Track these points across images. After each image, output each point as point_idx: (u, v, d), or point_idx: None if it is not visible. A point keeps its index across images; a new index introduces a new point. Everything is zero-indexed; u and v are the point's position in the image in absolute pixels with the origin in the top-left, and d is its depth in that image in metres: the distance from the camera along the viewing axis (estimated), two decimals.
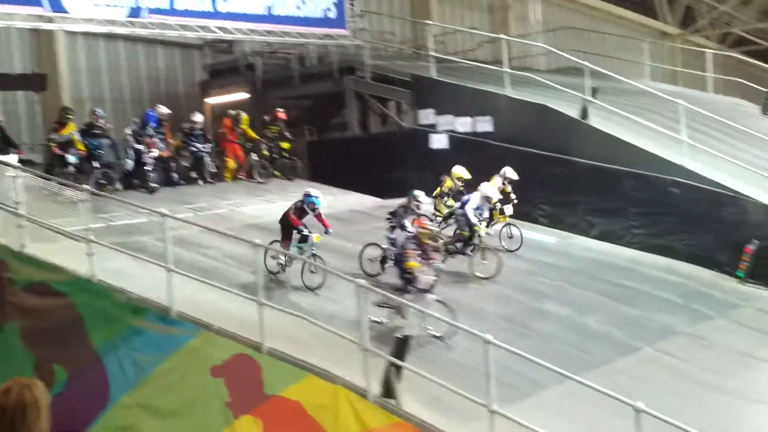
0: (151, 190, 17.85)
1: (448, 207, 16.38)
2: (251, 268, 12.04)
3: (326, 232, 13.89)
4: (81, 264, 11.88)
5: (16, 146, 16.34)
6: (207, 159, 19.66)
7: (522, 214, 16.95)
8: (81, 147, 16.93)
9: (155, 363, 11.13)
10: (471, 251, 14.87)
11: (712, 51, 24.42)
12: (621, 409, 8.84)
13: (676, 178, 16.71)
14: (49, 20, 17.50)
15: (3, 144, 15.99)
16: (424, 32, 22.73)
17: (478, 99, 19.98)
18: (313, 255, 13.47)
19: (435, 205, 16.21)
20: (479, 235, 14.80)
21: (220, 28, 19.67)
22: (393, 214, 14.43)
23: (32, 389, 3.92)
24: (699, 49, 25.28)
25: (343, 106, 22.70)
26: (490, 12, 31.61)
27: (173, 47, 23.90)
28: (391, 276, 13.43)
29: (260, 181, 20.17)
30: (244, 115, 20.45)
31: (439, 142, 19.97)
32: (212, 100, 24.00)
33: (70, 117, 17.26)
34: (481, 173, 16.40)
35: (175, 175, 19.20)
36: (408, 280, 12.39)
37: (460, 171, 16.72)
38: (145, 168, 18.00)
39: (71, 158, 16.72)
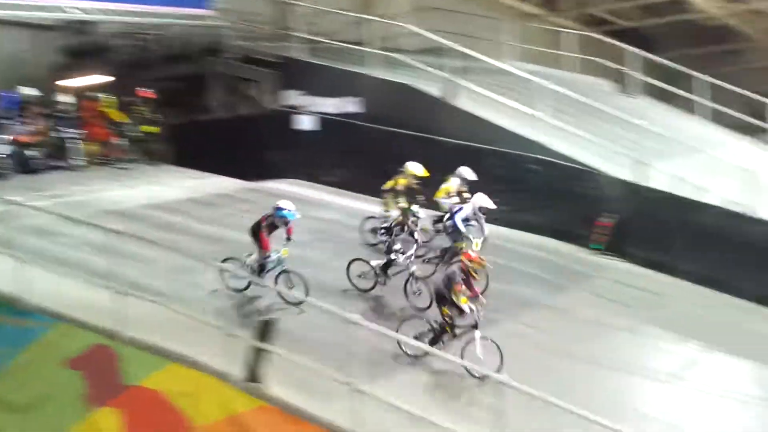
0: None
1: (401, 207, 15.39)
2: (110, 256, 11.72)
3: (288, 239, 13.05)
4: None
5: None
6: (73, 143, 18.92)
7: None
8: None
9: (9, 357, 10.82)
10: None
11: (570, 31, 25.32)
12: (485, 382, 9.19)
13: (536, 156, 17.33)
14: None
15: None
16: (292, 13, 22.59)
17: (346, 80, 20.10)
18: (285, 272, 12.87)
19: (384, 200, 15.63)
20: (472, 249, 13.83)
21: (78, 8, 18.93)
22: (389, 230, 13.96)
23: None
24: (557, 29, 26.06)
25: (209, 88, 22.33)
26: None
27: (30, 29, 22.76)
28: (389, 293, 13.50)
29: (123, 166, 19.61)
30: (106, 97, 19.81)
31: (306, 123, 19.97)
32: (73, 83, 23.05)
33: None
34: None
35: (36, 161, 18.39)
36: (449, 318, 11.58)
37: (414, 168, 15.66)
38: None
39: None
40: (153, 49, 22.56)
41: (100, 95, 19.91)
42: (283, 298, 12.67)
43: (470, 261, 11.63)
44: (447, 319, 11.54)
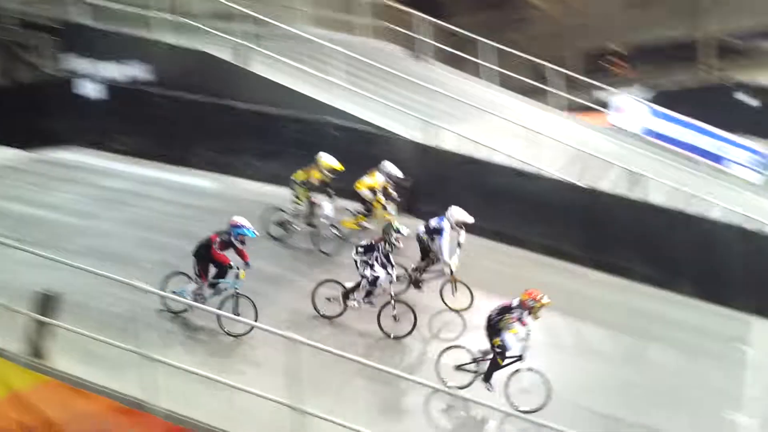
0: None
1: (311, 202, 14.99)
2: None
3: (246, 265, 12.15)
4: None
5: None
6: None
7: (182, 159, 16.89)
8: None
9: None
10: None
11: None
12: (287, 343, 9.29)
13: (334, 120, 17.54)
14: None
15: None
16: None
17: (133, 45, 19.40)
18: (237, 294, 11.94)
19: (295, 191, 15.05)
20: (451, 271, 13.66)
21: None
22: (369, 248, 12.91)
23: None
24: None
25: None
26: None
27: None
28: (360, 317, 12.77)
29: None
30: None
31: (90, 89, 19.09)
32: None
33: None
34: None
35: None
36: (500, 351, 11.29)
37: (328, 160, 15.08)
38: None
39: None
40: None
41: None
42: (222, 327, 11.78)
43: (534, 300, 11.15)
44: (498, 349, 11.24)
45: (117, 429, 9.40)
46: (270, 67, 18.89)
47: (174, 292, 11.69)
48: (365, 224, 15.40)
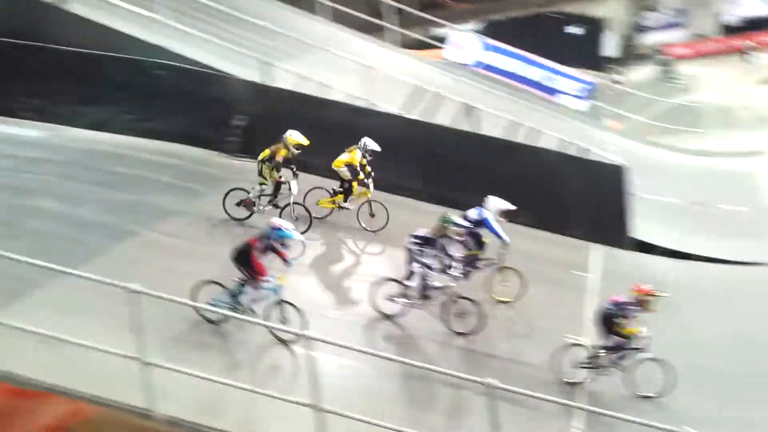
0: None
1: (278, 181, 14.10)
2: None
3: (288, 263, 11.37)
4: None
5: None
6: None
7: (3, 109, 15.95)
8: None
9: None
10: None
11: None
12: (122, 294, 9.06)
13: (161, 61, 16.98)
14: None
15: None
16: None
17: None
18: (280, 303, 11.17)
19: (260, 170, 14.10)
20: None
21: None
22: (427, 241, 12.10)
23: None
24: None
25: None
26: None
27: None
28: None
29: None
30: None
31: None
32: None
33: None
34: None
35: None
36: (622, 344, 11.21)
37: (296, 137, 14.16)
38: None
39: None
40: None
41: None
42: (275, 335, 11.12)
43: (646, 295, 11.10)
44: (627, 338, 11.24)
45: None
46: (87, 4, 17.96)
47: (211, 303, 11.03)
48: (344, 204, 14.95)
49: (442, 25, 25.31)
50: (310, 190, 14.72)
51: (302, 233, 13.69)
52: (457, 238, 12.30)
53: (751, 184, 20.98)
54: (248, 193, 14.17)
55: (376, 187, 14.84)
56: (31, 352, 9.64)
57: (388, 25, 23.00)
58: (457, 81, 21.93)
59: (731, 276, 15.80)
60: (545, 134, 18.15)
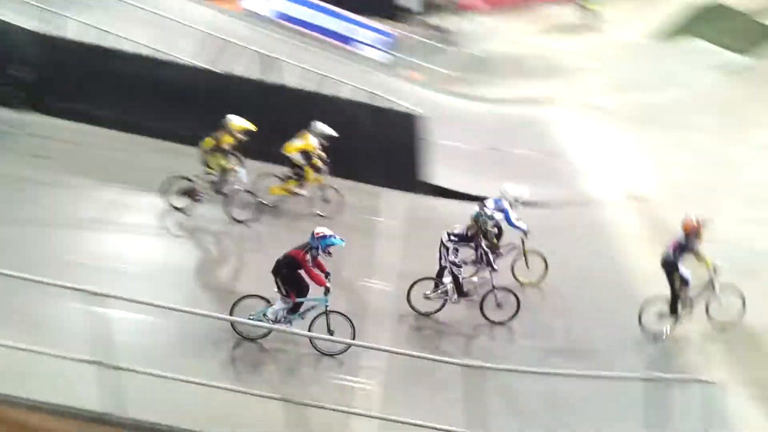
0: None
1: (224, 169, 13.79)
2: None
3: (327, 276, 11.03)
4: None
5: None
6: None
7: None
8: None
9: None
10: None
11: None
12: None
13: None
14: None
15: None
16: None
17: None
18: (326, 313, 10.98)
19: (206, 161, 13.75)
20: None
21: None
22: (464, 238, 12.34)
23: None
24: None
25: None
26: None
27: None
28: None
29: None
30: None
31: None
32: None
33: None
34: None
35: None
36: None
37: (239, 122, 13.81)
38: None
39: None
40: None
41: None
42: (318, 349, 10.91)
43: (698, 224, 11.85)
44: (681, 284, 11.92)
45: None
46: None
47: (251, 317, 10.80)
48: (296, 189, 14.82)
49: None
50: (263, 176, 14.65)
51: (250, 221, 13.97)
52: (490, 229, 12.71)
53: (541, 129, 22.28)
54: (191, 181, 13.83)
55: (166, 138, 14.64)
56: None
57: None
58: (255, 31, 21.79)
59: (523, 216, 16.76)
60: (346, 85, 18.41)
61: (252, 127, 13.95)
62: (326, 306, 10.96)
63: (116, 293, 8.76)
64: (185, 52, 17.33)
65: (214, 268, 13.25)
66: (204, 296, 12.08)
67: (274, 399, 9.19)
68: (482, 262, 12.42)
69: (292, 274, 10.85)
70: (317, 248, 10.85)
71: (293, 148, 14.70)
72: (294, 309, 10.98)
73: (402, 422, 8.79)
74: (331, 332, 10.86)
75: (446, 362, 9.75)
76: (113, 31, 16.86)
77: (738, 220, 15.04)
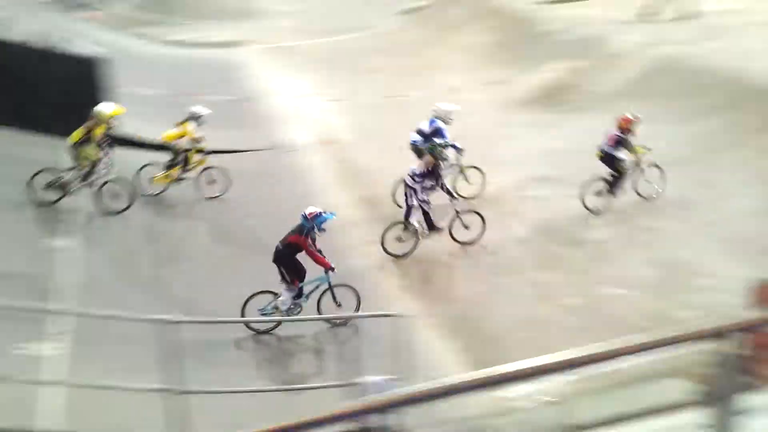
0: None
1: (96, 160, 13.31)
2: None
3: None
4: None
5: None
6: None
7: None
8: None
9: None
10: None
11: None
12: None
13: None
14: None
15: None
16: None
17: None
18: (330, 288, 11.00)
19: (77, 155, 13.24)
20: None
21: None
22: (427, 174, 12.72)
23: None
24: None
25: None
26: None
27: None
28: None
29: None
30: None
31: None
32: None
33: None
34: None
35: None
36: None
37: (109, 109, 13.46)
38: None
39: None
40: None
41: None
42: (330, 321, 10.94)
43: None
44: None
45: None
46: None
47: (263, 313, 10.83)
48: (181, 175, 14.69)
49: None
50: (143, 167, 14.47)
51: (123, 210, 13.50)
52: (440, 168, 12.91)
53: (234, 74, 22.12)
54: (60, 174, 13.24)
55: None
56: None
57: None
58: None
59: (224, 162, 16.60)
60: (15, 26, 16.97)
61: (122, 110, 13.73)
62: (329, 282, 10.97)
63: None
64: None
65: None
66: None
67: None
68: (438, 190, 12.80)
69: (292, 261, 10.80)
70: (313, 228, 10.72)
71: (172, 135, 14.67)
72: (299, 294, 11.00)
73: (94, 387, 8.39)
74: (339, 305, 11.00)
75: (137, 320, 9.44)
76: None
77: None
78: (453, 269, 12.67)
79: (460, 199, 13.62)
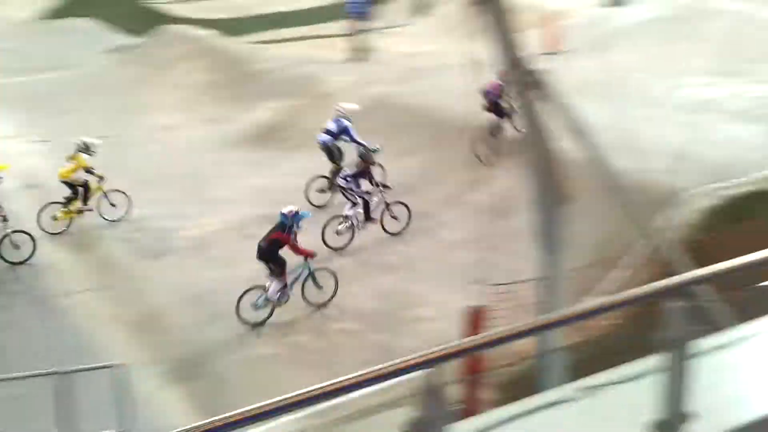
0: None
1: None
2: None
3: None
4: None
5: None
6: None
7: None
8: None
9: None
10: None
11: None
12: None
13: None
14: None
15: None
16: None
17: None
18: (311, 274, 12.19)
19: None
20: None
21: None
22: (360, 174, 14.22)
23: None
24: None
25: None
26: None
27: None
28: None
29: None
30: None
31: None
32: None
33: None
34: None
35: None
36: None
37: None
38: None
39: None
40: None
41: None
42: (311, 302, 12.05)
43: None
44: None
45: None
46: None
47: (257, 307, 11.68)
48: (82, 207, 14.89)
49: None
50: (44, 208, 14.49)
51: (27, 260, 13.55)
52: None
53: None
54: None
55: None
56: None
57: None
58: None
59: None
60: None
61: (8, 166, 14.06)
62: (310, 269, 12.09)
63: None
64: None
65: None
66: None
67: None
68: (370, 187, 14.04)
69: (276, 255, 11.74)
70: (293, 225, 11.79)
71: (67, 172, 14.80)
72: (285, 284, 11.89)
73: None
74: (320, 287, 12.09)
75: None
76: None
77: (145, 201, 15.41)
78: (177, 315, 12.36)
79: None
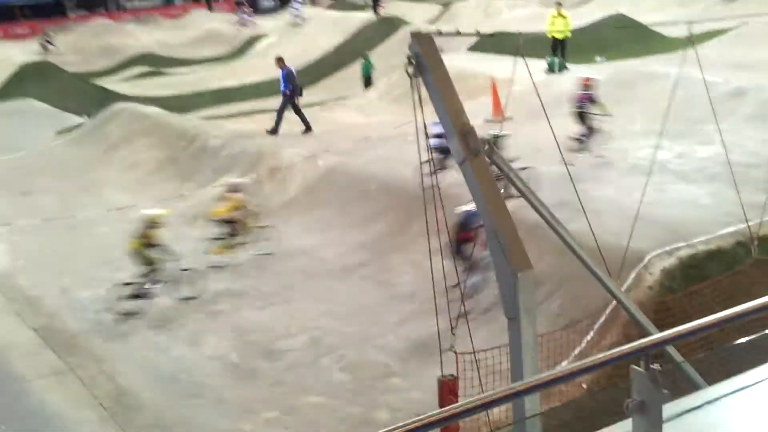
0: None
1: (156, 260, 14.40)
2: None
3: None
4: None
5: None
6: None
7: None
8: None
9: None
10: None
11: None
12: None
13: None
14: None
15: None
16: None
17: None
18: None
19: (142, 260, 14.36)
20: None
21: None
22: None
23: None
24: None
25: None
26: None
27: None
28: None
29: None
30: None
31: None
32: None
33: None
34: None
35: None
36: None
37: (156, 212, 14.94)
38: None
39: None
40: None
41: None
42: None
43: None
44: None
45: None
46: None
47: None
48: (238, 242, 15.86)
49: None
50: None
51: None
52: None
53: None
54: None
55: None
56: None
57: None
58: None
59: None
60: None
61: (165, 212, 15.06)
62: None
63: None
64: None
65: None
66: None
67: None
68: None
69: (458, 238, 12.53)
70: (465, 224, 12.83)
71: (223, 210, 15.90)
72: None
73: None
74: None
75: None
76: None
77: (88, 280, 15.42)
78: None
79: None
